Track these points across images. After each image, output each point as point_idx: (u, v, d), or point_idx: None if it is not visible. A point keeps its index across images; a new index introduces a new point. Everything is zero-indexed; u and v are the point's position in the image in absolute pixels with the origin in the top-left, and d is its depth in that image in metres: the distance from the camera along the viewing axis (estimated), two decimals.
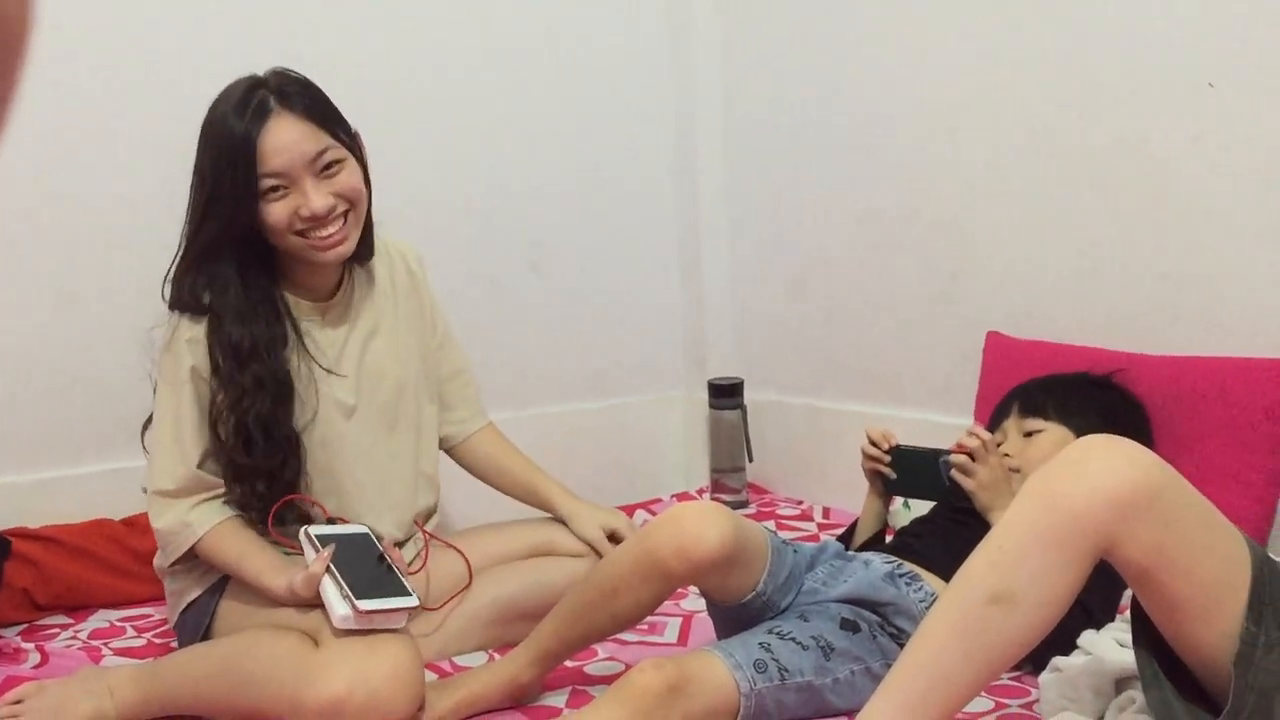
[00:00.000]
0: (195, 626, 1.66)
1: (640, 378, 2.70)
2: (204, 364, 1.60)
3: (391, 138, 2.35)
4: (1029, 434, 1.76)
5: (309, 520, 1.65)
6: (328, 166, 1.60)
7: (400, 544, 1.78)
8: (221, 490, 1.64)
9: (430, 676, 1.63)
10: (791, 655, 1.46)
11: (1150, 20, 1.94)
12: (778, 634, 1.48)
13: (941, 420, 2.22)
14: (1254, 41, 1.83)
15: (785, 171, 2.54)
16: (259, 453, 1.60)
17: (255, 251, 1.62)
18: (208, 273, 1.60)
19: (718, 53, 2.62)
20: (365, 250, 1.73)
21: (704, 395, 2.60)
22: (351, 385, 1.73)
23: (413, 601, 1.52)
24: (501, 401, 2.45)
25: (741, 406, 2.55)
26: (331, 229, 1.60)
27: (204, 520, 1.62)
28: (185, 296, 1.60)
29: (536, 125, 2.51)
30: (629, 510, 2.45)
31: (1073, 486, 1.19)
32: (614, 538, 1.82)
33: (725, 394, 2.56)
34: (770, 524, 2.32)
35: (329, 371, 1.69)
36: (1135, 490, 1.18)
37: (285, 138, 1.56)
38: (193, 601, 1.67)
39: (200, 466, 1.63)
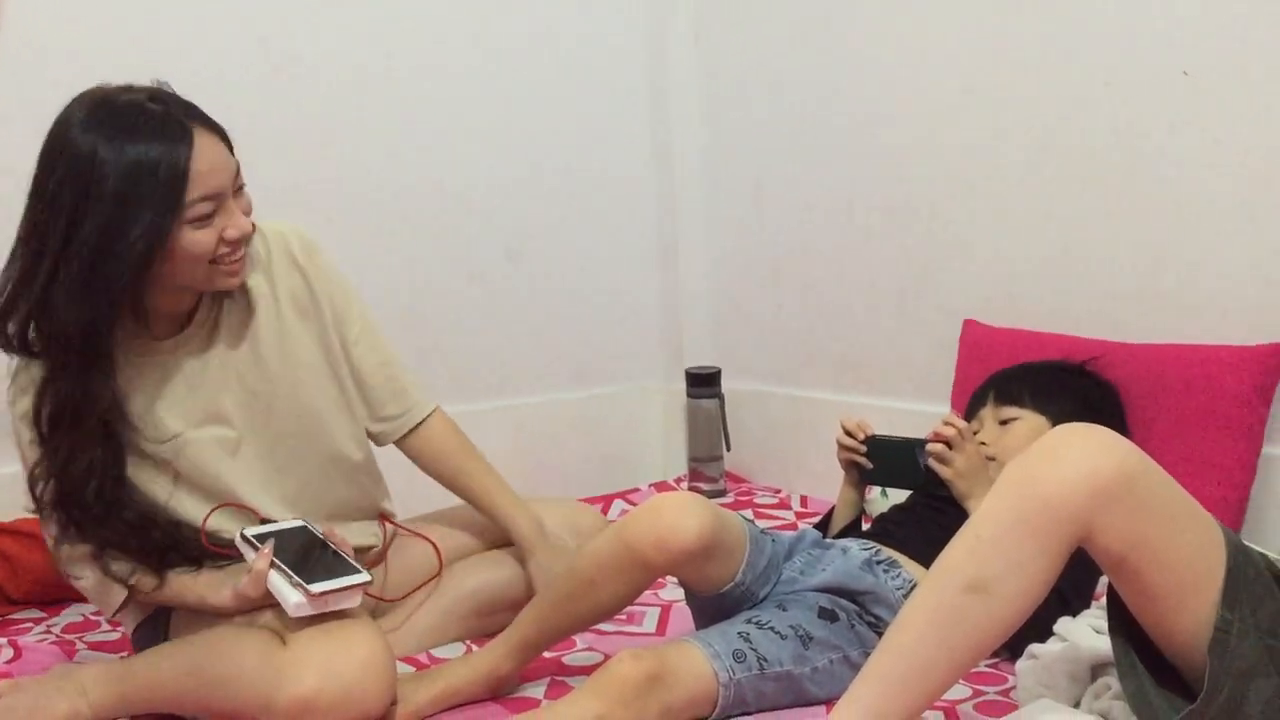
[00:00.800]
0: (151, 638, 1.63)
1: (618, 367, 2.70)
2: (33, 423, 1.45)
3: (368, 129, 2.35)
4: (1005, 422, 1.77)
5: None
6: (239, 187, 1.48)
7: (365, 549, 1.71)
8: None
9: (406, 669, 1.63)
10: (770, 645, 1.46)
11: (1126, 10, 1.94)
12: (756, 624, 1.49)
13: (919, 408, 2.23)
14: (1229, 30, 1.83)
15: (762, 161, 2.54)
16: (114, 525, 1.50)
17: (90, 307, 1.41)
18: (51, 318, 1.40)
19: (694, 43, 2.61)
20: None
21: (682, 385, 2.60)
22: (231, 416, 1.59)
23: (364, 578, 1.49)
24: (479, 392, 2.45)
25: (719, 396, 2.56)
26: (241, 250, 1.49)
27: (117, 585, 1.55)
28: (24, 340, 1.44)
29: (514, 116, 2.50)
30: (607, 500, 2.45)
31: (1050, 475, 1.20)
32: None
33: (703, 383, 2.56)
34: (748, 513, 2.32)
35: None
36: (1112, 479, 1.18)
37: (215, 157, 1.42)
38: (142, 621, 1.64)
39: None
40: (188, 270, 1.46)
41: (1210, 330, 1.88)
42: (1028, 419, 1.75)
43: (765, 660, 1.45)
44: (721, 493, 2.52)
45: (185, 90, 1.51)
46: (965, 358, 2.16)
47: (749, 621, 1.49)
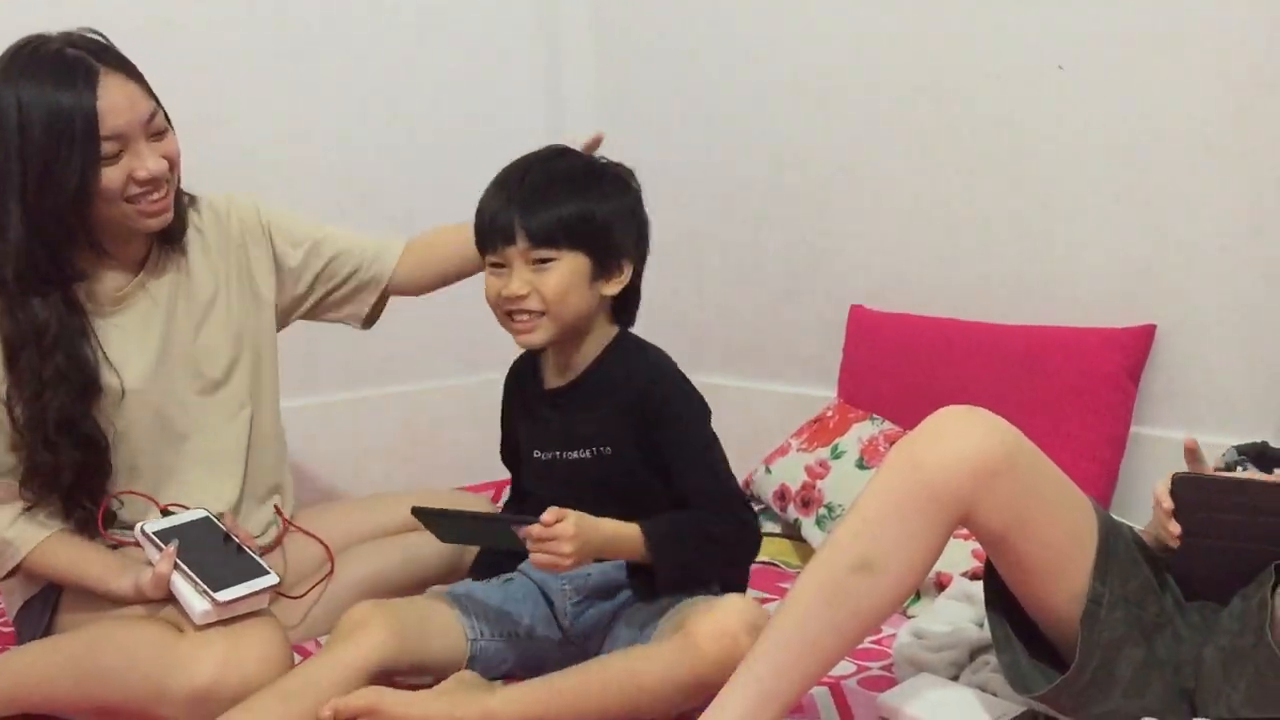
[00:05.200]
0: (38, 621, 1.58)
1: (510, 353, 2.67)
2: None
3: (257, 108, 2.29)
4: (541, 261, 1.51)
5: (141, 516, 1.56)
6: (158, 130, 1.51)
7: (263, 537, 1.70)
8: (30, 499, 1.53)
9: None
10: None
11: (1007, 6, 2.00)
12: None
13: (807, 392, 2.27)
14: (1101, 26, 1.90)
15: (654, 145, 2.54)
16: (63, 453, 1.49)
17: (46, 241, 1.48)
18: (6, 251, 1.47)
19: (588, 27, 2.61)
20: (177, 228, 1.62)
21: None
22: (170, 371, 1.62)
23: (272, 580, 1.47)
24: (369, 378, 2.41)
25: None
26: (159, 193, 1.52)
27: (26, 537, 1.52)
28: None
29: (408, 96, 2.46)
30: (499, 487, 2.43)
31: (933, 456, 1.23)
32: None
33: None
34: None
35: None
36: (992, 458, 1.23)
37: (120, 98, 1.46)
38: (30, 598, 1.59)
39: None
40: (109, 207, 1.50)
41: (1083, 313, 1.95)
42: (565, 259, 1.51)
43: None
44: None
45: None
46: (852, 342, 2.21)
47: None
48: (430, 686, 1.44)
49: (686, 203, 2.50)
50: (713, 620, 1.37)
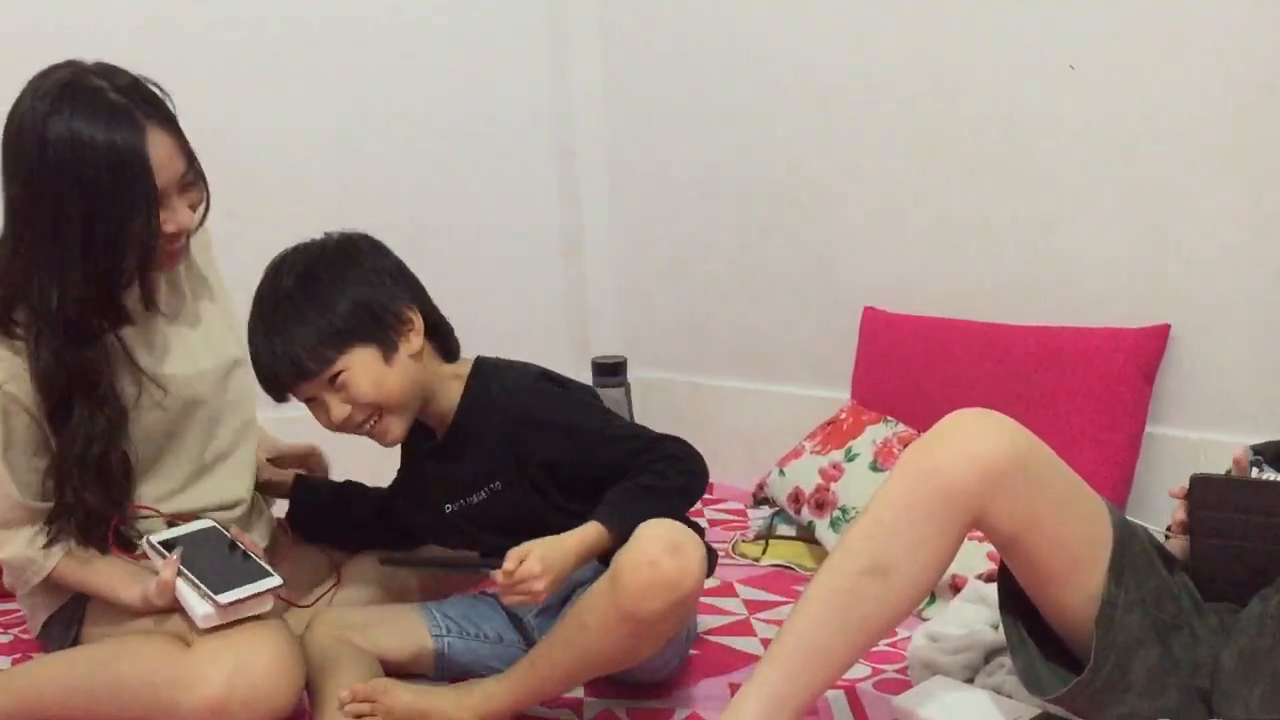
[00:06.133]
0: (62, 638, 1.59)
1: (523, 357, 2.67)
2: (26, 396, 1.47)
3: (261, 116, 2.29)
4: (333, 380, 1.48)
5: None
6: (189, 185, 1.50)
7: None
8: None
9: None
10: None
11: (1016, 5, 1.99)
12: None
13: (820, 394, 2.27)
14: (1113, 26, 1.89)
15: (665, 152, 2.55)
16: (91, 490, 1.50)
17: (106, 285, 1.47)
18: (26, 297, 1.45)
19: (597, 33, 2.61)
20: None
21: (587, 374, 2.60)
22: (191, 379, 1.62)
23: (275, 582, 1.47)
24: None
25: (625, 385, 2.56)
26: (181, 241, 1.52)
27: (50, 554, 1.52)
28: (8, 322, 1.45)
29: (415, 105, 2.47)
30: None
31: (944, 460, 1.23)
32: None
33: (608, 373, 2.56)
34: None
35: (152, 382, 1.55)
36: (1005, 461, 1.22)
37: (162, 153, 1.44)
38: (55, 612, 1.60)
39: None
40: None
41: (1096, 314, 1.95)
42: (351, 360, 1.47)
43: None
44: None
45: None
46: (865, 344, 2.20)
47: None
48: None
49: (696, 206, 2.50)
50: (629, 552, 1.35)
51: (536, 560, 1.36)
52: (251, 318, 1.51)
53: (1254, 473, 1.36)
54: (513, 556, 1.37)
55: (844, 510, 1.96)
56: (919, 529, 1.22)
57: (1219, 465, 1.35)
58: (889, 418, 2.05)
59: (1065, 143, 1.97)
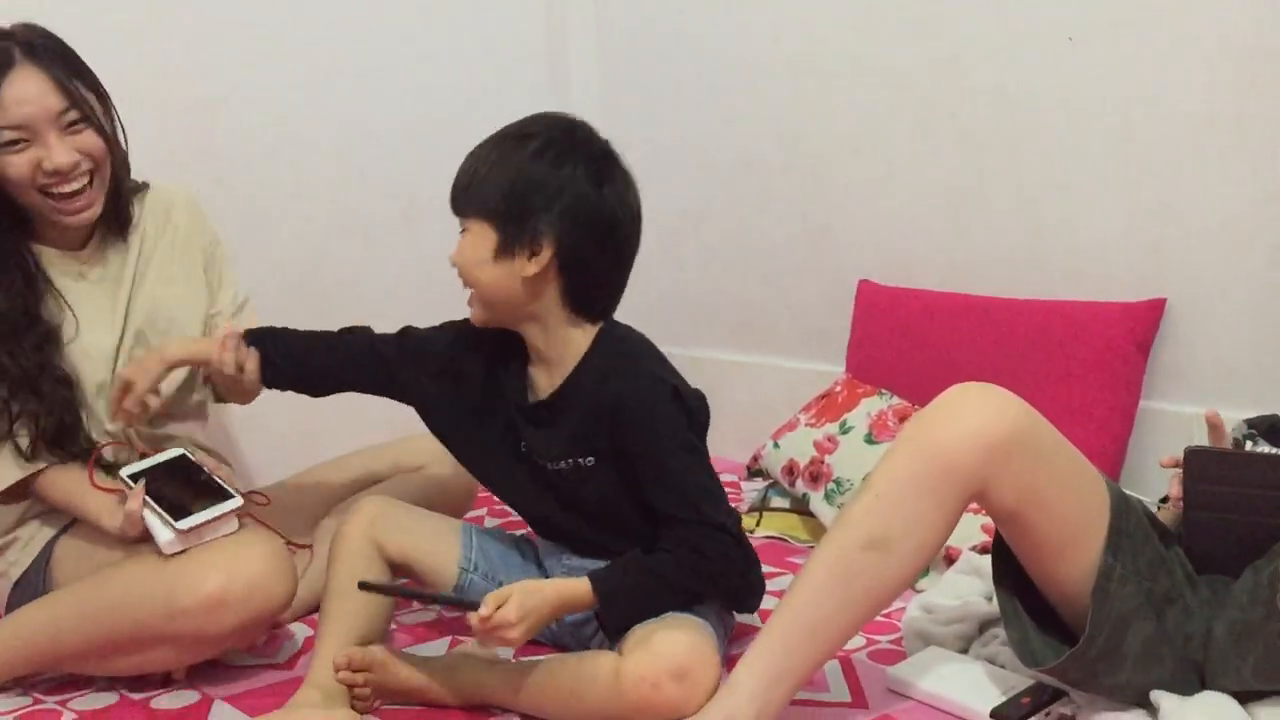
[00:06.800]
0: (32, 596, 1.59)
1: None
2: None
3: (258, 86, 2.28)
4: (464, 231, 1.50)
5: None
6: (72, 124, 1.54)
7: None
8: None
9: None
10: None
11: None
12: None
13: (815, 367, 2.27)
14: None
15: (660, 124, 2.54)
16: (46, 392, 1.54)
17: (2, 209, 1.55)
18: None
19: (593, 5, 2.59)
20: (121, 220, 1.64)
21: None
22: (110, 340, 1.64)
23: (236, 503, 1.50)
24: None
25: None
26: (75, 185, 1.54)
27: (25, 465, 1.55)
28: None
29: (409, 74, 2.45)
30: None
31: (944, 434, 1.24)
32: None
33: None
34: None
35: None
36: (1005, 434, 1.23)
37: (28, 89, 1.51)
38: (20, 577, 1.60)
39: None
40: (23, 195, 1.54)
41: (1092, 287, 1.95)
42: (473, 228, 1.47)
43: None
44: None
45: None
46: (861, 317, 2.20)
47: None
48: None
49: (693, 179, 2.50)
50: (638, 664, 1.32)
51: (514, 608, 1.34)
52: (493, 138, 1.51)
53: (1247, 446, 1.37)
54: (490, 601, 1.34)
55: (838, 483, 1.97)
56: (919, 503, 1.23)
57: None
58: (884, 390, 2.05)
59: (1063, 116, 1.96)
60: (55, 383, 1.56)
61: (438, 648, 1.63)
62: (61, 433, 1.56)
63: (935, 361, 2.02)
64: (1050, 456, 1.25)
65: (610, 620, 1.44)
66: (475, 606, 1.35)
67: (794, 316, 2.37)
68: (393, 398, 1.62)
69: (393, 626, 1.67)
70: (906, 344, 2.09)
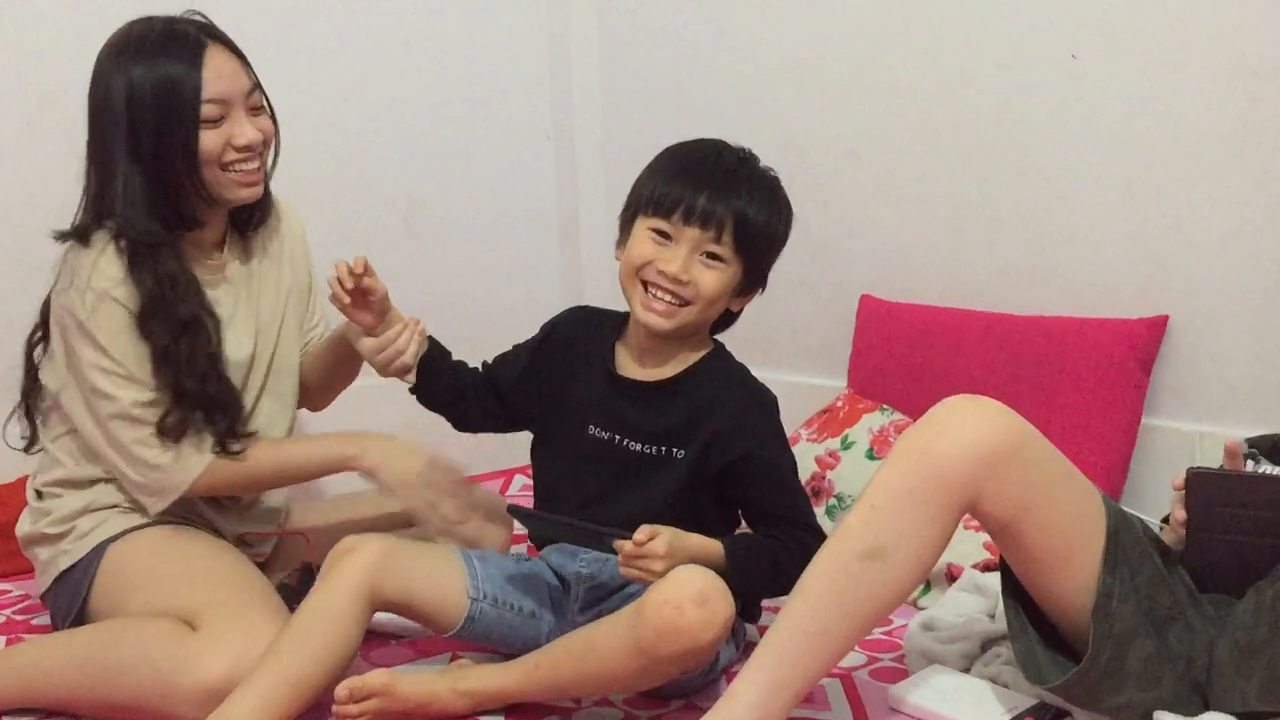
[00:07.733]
0: (71, 597, 1.59)
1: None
2: (132, 302, 1.57)
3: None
4: (711, 256, 1.52)
5: None
6: (255, 105, 1.63)
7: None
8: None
9: None
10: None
11: None
12: None
13: (817, 382, 2.26)
14: (1115, 16, 1.89)
15: (661, 133, 2.51)
16: (210, 381, 1.59)
17: (168, 195, 1.60)
18: (123, 216, 1.57)
19: (594, 13, 2.60)
20: (263, 212, 1.72)
21: None
22: (248, 346, 1.70)
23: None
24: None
25: None
26: (254, 165, 1.62)
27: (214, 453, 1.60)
28: (126, 226, 1.56)
29: (410, 82, 2.45)
30: (507, 476, 2.44)
31: (940, 444, 1.24)
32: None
33: None
34: None
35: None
36: (999, 446, 1.23)
37: (226, 66, 1.59)
38: (68, 569, 1.59)
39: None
40: (206, 170, 1.59)
41: (1094, 304, 1.95)
42: (731, 265, 1.52)
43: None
44: None
45: None
46: (862, 332, 2.20)
47: None
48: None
49: None
50: (661, 591, 1.34)
51: (664, 543, 1.37)
52: (723, 154, 1.59)
53: (1249, 466, 1.37)
54: (645, 530, 1.38)
55: (840, 498, 1.96)
56: (914, 513, 1.23)
57: (1215, 457, 1.35)
58: (885, 406, 2.05)
59: (1065, 132, 1.96)
60: (219, 379, 1.61)
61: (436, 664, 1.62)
62: (232, 429, 1.60)
63: (937, 377, 2.01)
64: (1043, 468, 1.25)
65: (733, 583, 1.42)
66: (627, 536, 1.38)
67: (795, 331, 2.37)
68: (503, 412, 1.70)
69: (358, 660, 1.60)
70: (909, 359, 2.09)
